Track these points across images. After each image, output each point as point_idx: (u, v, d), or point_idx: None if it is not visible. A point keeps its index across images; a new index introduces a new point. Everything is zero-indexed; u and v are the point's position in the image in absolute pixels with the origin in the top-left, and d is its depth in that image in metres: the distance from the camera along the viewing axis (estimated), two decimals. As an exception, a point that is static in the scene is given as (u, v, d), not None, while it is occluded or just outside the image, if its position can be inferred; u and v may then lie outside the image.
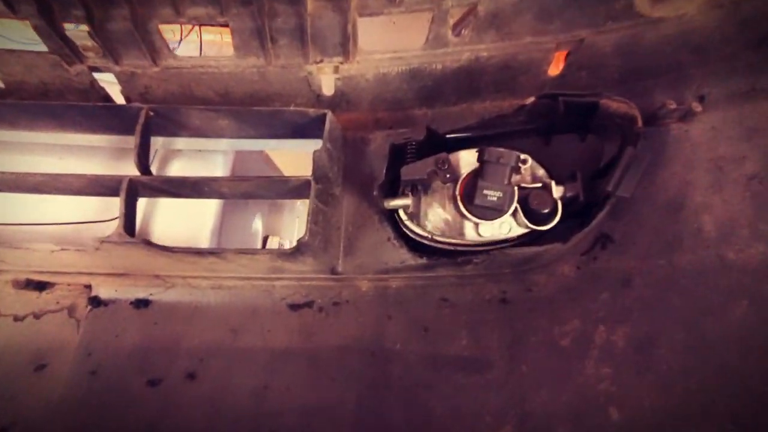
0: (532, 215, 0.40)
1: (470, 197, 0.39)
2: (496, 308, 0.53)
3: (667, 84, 0.52)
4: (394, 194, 0.49)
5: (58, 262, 0.55)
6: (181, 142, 0.62)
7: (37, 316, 0.58)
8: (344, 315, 0.56)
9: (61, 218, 0.64)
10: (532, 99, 0.45)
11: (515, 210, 0.40)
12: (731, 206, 0.48)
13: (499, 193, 0.37)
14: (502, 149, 0.38)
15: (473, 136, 0.50)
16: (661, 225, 0.50)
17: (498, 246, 0.45)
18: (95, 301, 0.57)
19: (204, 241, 0.58)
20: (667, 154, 0.51)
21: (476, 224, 0.42)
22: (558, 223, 0.44)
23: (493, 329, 0.52)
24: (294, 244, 0.43)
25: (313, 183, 0.45)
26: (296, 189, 0.48)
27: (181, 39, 1.73)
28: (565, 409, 0.46)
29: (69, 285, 0.59)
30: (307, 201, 0.45)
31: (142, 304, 0.56)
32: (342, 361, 0.54)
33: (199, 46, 1.78)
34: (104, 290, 0.58)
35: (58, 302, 0.58)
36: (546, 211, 0.40)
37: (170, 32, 1.60)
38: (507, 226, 0.42)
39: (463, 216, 0.41)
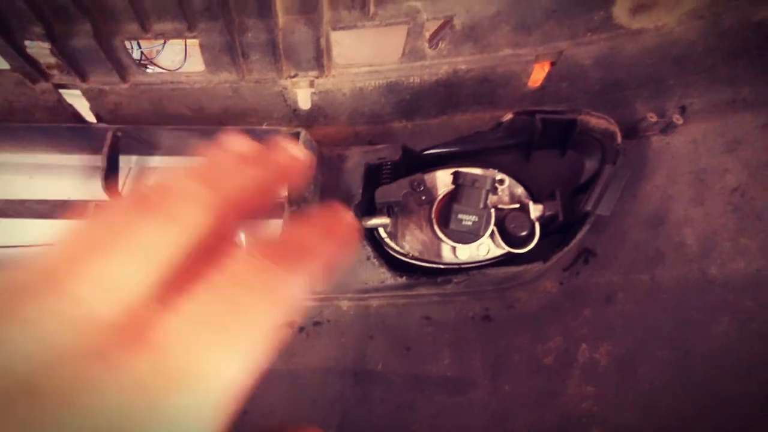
0: (510, 238, 0.39)
1: (446, 221, 0.38)
2: (479, 326, 0.52)
3: (648, 95, 0.51)
4: (373, 212, 0.47)
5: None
6: (154, 160, 0.60)
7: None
8: (325, 335, 0.55)
9: (34, 238, 0.62)
10: (509, 115, 0.44)
11: (492, 232, 0.39)
12: (713, 220, 0.48)
13: (474, 218, 0.36)
14: (477, 173, 0.37)
15: (452, 153, 0.49)
16: (644, 239, 0.49)
17: (477, 266, 0.44)
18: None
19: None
20: (649, 167, 0.50)
21: (453, 247, 0.41)
22: (539, 240, 0.44)
23: (476, 347, 0.51)
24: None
25: (286, 205, 0.44)
26: (271, 211, 0.47)
27: (164, 42, 1.70)
28: (548, 430, 0.46)
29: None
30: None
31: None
32: (324, 382, 0.53)
33: (184, 49, 1.75)
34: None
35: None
36: (523, 233, 0.39)
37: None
38: (485, 248, 0.41)
39: (439, 239, 0.40)
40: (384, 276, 0.51)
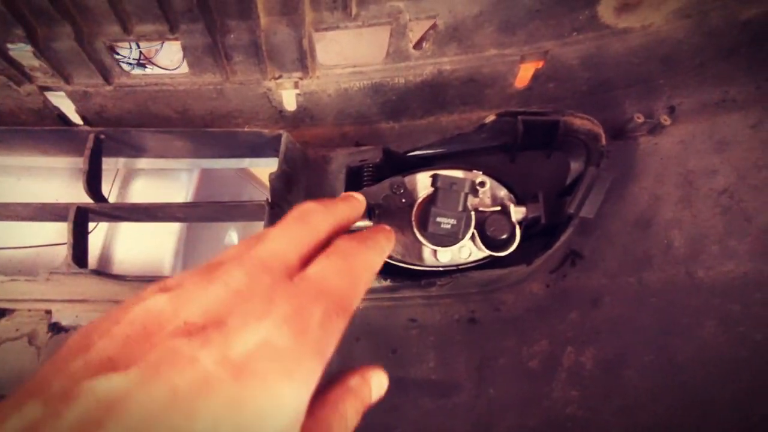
0: (490, 241, 0.39)
1: (424, 224, 0.37)
2: (464, 329, 0.52)
3: (636, 95, 0.50)
4: (357, 215, 0.47)
5: (14, 290, 0.53)
6: (142, 161, 0.60)
7: (-5, 345, 0.56)
8: (311, 337, 0.55)
9: (23, 240, 0.62)
10: (492, 117, 0.43)
11: (473, 235, 0.39)
12: (701, 222, 0.47)
13: (452, 221, 0.36)
14: (456, 175, 0.37)
15: (436, 154, 0.48)
16: (631, 241, 0.49)
17: (460, 269, 0.43)
18: (56, 328, 0.56)
19: (167, 264, 0.57)
20: (637, 169, 0.49)
21: (434, 250, 0.40)
22: (524, 242, 0.43)
23: (461, 350, 0.51)
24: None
25: (267, 208, 0.43)
26: (253, 213, 0.46)
27: (162, 42, 1.70)
28: (532, 434, 0.45)
29: (29, 311, 0.58)
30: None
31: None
32: (309, 384, 0.52)
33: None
34: (64, 316, 0.56)
35: (17, 329, 0.57)
36: (503, 236, 0.38)
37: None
38: (467, 251, 0.41)
39: (419, 241, 0.39)
40: (369, 278, 0.51)
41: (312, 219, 0.23)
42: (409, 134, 0.57)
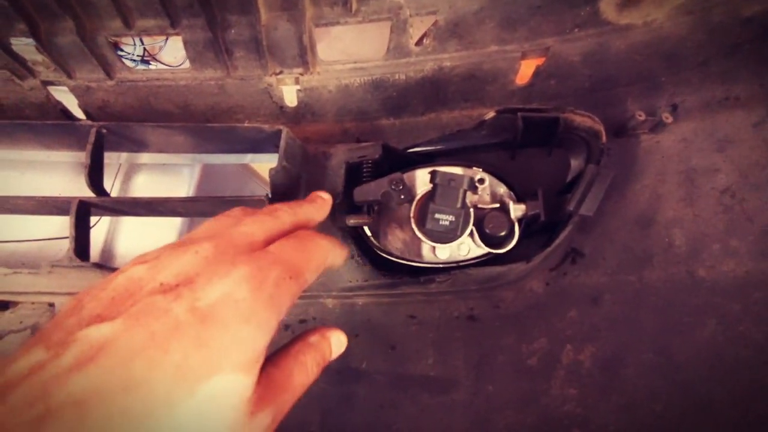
0: (488, 238, 0.39)
1: (423, 220, 0.37)
2: (464, 326, 0.52)
3: (639, 92, 0.50)
4: (356, 210, 0.47)
5: (17, 282, 0.54)
6: (144, 157, 0.60)
7: (-1, 337, 0.57)
8: (310, 333, 0.55)
9: (26, 233, 0.63)
10: (492, 114, 0.43)
11: (472, 232, 0.39)
12: (703, 221, 0.47)
13: (450, 218, 0.36)
14: (454, 172, 0.36)
15: (436, 151, 0.48)
16: (632, 240, 0.48)
17: (459, 266, 0.43)
18: (58, 321, 0.56)
19: (168, 258, 0.57)
20: (638, 167, 0.49)
21: (433, 246, 0.40)
22: (524, 239, 0.43)
23: (460, 347, 0.51)
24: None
25: (267, 203, 0.44)
26: (253, 208, 0.46)
27: (167, 38, 1.70)
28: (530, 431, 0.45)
29: (33, 303, 0.58)
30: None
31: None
32: (308, 379, 0.53)
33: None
34: (67, 309, 0.57)
35: (21, 322, 0.57)
36: (502, 234, 0.38)
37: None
38: (466, 248, 0.41)
39: (418, 238, 0.39)
40: (368, 274, 0.51)
41: (279, 214, 0.28)
42: (410, 131, 0.56)
